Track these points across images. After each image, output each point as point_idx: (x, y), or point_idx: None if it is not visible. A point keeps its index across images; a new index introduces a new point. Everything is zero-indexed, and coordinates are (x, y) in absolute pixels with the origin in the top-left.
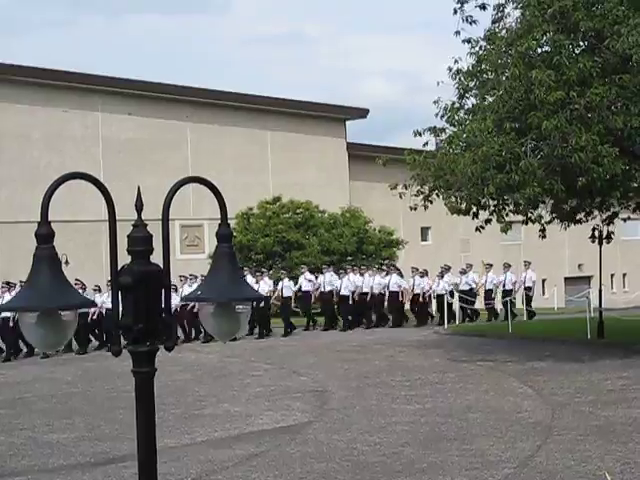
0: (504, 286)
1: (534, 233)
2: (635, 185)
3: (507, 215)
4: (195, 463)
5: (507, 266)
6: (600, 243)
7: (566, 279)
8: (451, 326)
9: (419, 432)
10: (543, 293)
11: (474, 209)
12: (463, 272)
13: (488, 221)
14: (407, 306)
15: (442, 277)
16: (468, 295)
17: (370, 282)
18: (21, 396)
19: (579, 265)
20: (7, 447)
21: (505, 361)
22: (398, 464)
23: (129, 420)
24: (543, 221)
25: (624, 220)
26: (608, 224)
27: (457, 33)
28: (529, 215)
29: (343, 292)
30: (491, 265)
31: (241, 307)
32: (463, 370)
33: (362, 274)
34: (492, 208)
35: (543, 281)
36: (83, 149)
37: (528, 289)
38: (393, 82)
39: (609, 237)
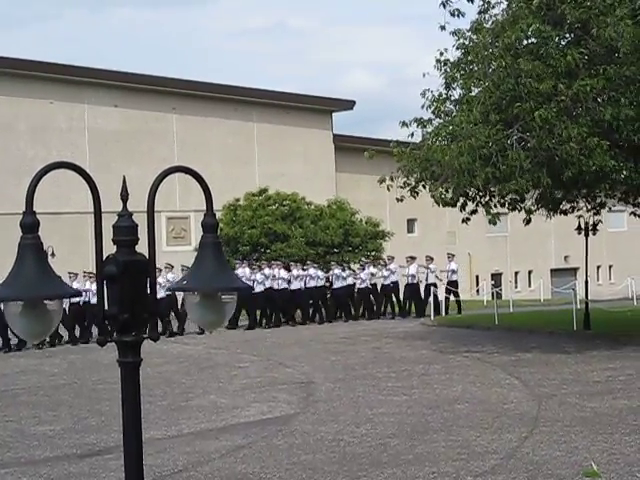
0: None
1: (520, 225)
2: (622, 177)
3: (495, 207)
4: (182, 454)
5: (451, 256)
6: (586, 235)
7: (552, 271)
8: (438, 318)
9: (405, 423)
10: (529, 285)
11: (461, 201)
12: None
13: (474, 212)
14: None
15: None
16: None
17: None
18: (7, 388)
19: (565, 257)
20: None
21: (491, 352)
22: (385, 455)
23: (115, 412)
24: (528, 209)
25: (609, 209)
26: (594, 214)
27: (442, 28)
28: (517, 206)
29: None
30: (453, 255)
31: (227, 297)
32: (449, 361)
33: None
34: (479, 200)
35: (529, 273)
36: (69, 141)
37: (454, 282)
38: (377, 74)
39: (595, 228)
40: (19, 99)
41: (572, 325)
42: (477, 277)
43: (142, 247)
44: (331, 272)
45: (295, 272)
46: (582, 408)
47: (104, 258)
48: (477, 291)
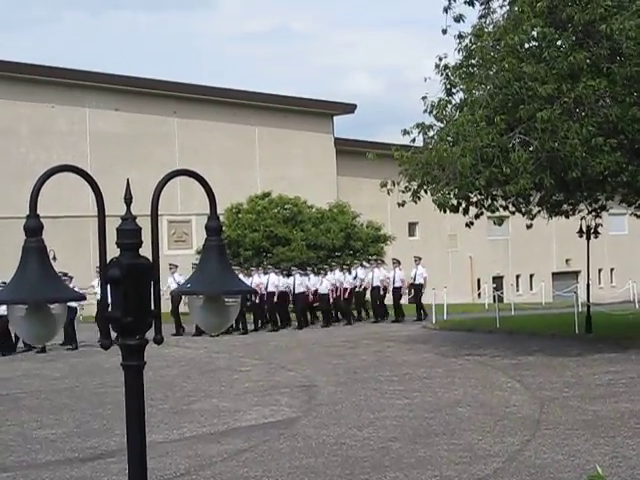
0: (394, 283)
1: (521, 228)
2: (626, 178)
3: (497, 210)
4: (183, 458)
5: (396, 262)
6: (588, 238)
7: (554, 274)
8: (439, 321)
9: (408, 427)
10: (531, 288)
11: (463, 205)
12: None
13: (478, 216)
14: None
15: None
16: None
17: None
18: (9, 392)
19: (567, 260)
20: None
21: (493, 356)
22: (387, 459)
23: (117, 415)
24: (528, 210)
25: (608, 211)
26: (595, 217)
27: (444, 32)
28: (521, 208)
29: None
30: (420, 259)
31: (230, 300)
32: (451, 365)
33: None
34: (482, 202)
35: (531, 276)
36: (70, 144)
37: (419, 286)
38: (378, 78)
39: (596, 231)
40: (20, 103)
41: (574, 328)
42: (478, 280)
43: (145, 251)
44: (291, 278)
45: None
46: (584, 411)
47: (108, 261)
48: (478, 294)
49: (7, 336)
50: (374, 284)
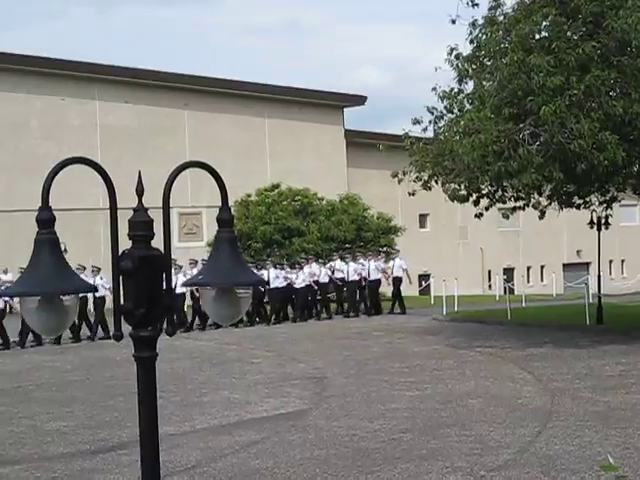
0: (369, 275)
1: (532, 220)
2: (635, 171)
3: (507, 201)
4: (195, 450)
5: (374, 254)
6: (599, 229)
7: (564, 265)
8: (450, 312)
9: (418, 418)
10: (542, 279)
11: (474, 196)
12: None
13: (488, 208)
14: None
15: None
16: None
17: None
18: (20, 384)
19: (577, 251)
20: (7, 435)
21: (504, 347)
22: (398, 450)
23: (128, 407)
24: (540, 207)
25: (619, 202)
26: (606, 208)
27: (453, 22)
28: (531, 200)
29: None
30: (398, 251)
31: (242, 291)
32: (462, 356)
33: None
34: (492, 195)
35: (542, 267)
36: (81, 137)
37: (397, 279)
38: (387, 70)
39: (607, 223)
40: (31, 96)
41: (585, 320)
42: (489, 272)
43: (156, 243)
44: (265, 272)
45: None
46: (595, 402)
47: (120, 253)
48: (489, 286)
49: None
50: (350, 277)
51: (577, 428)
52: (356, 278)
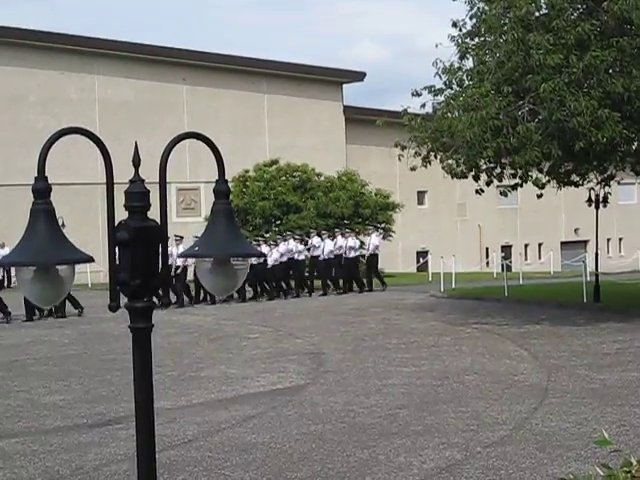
0: (346, 253)
1: (531, 197)
2: (633, 148)
3: (506, 178)
4: (191, 425)
5: (349, 232)
6: (597, 207)
7: (562, 243)
8: (448, 289)
9: (415, 394)
10: (539, 257)
11: (473, 172)
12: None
13: (489, 184)
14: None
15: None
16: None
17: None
18: (17, 358)
19: (575, 229)
20: (4, 409)
21: (501, 324)
22: (394, 426)
23: (125, 382)
24: (540, 184)
25: (618, 182)
26: (604, 186)
27: None
28: (529, 177)
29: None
30: (375, 227)
31: (239, 263)
32: (459, 333)
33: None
34: (490, 172)
35: (539, 245)
36: (79, 112)
37: (372, 256)
38: (386, 46)
39: (605, 201)
40: (29, 70)
41: (582, 297)
42: (487, 249)
43: (154, 215)
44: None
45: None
46: (592, 380)
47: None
48: (487, 263)
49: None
50: (325, 255)
51: (573, 405)
52: (331, 256)
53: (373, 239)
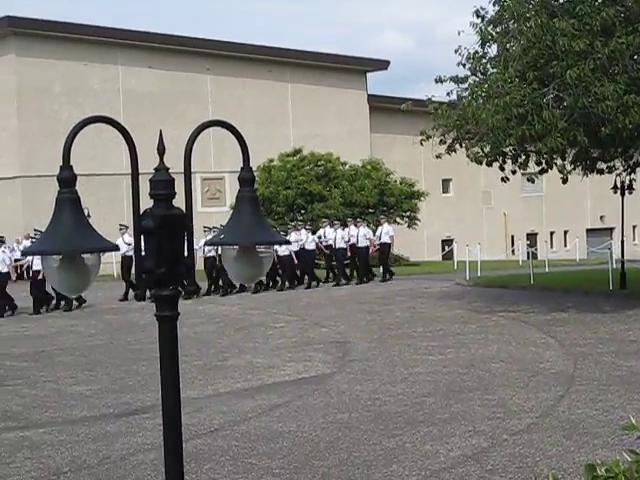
0: (357, 242)
1: (556, 185)
2: None
3: (532, 165)
4: (218, 414)
5: (361, 221)
6: (622, 194)
7: (588, 230)
8: (473, 277)
9: (441, 382)
10: (565, 245)
11: (500, 160)
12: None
13: (515, 172)
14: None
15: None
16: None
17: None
18: (44, 349)
19: (601, 217)
20: (31, 399)
21: (527, 312)
22: (420, 414)
23: (151, 372)
24: (566, 172)
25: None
26: (630, 173)
27: None
28: (555, 164)
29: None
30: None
31: (264, 251)
32: (485, 321)
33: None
34: (515, 159)
35: (565, 233)
36: (103, 102)
37: (384, 246)
38: (409, 34)
39: (631, 188)
40: (53, 61)
41: (608, 285)
42: (512, 237)
43: (179, 205)
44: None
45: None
46: (618, 367)
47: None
48: (512, 251)
49: (6, 296)
50: (338, 245)
51: (600, 392)
52: (343, 245)
53: (385, 228)
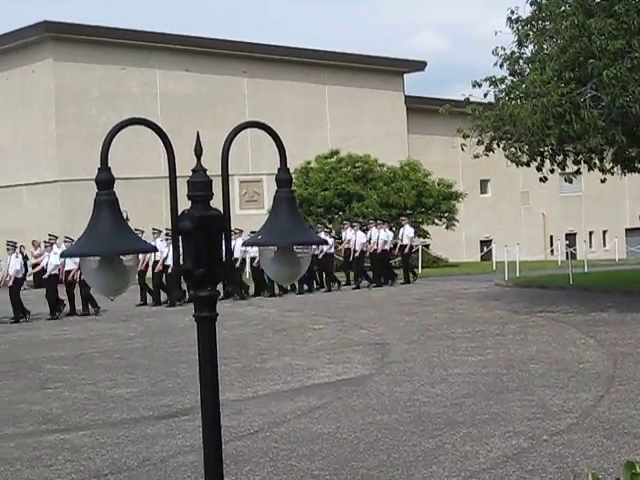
0: (377, 245)
1: (594, 184)
2: None
3: (571, 165)
4: (257, 416)
5: (404, 220)
6: None
7: (627, 230)
8: (512, 278)
9: (481, 383)
10: (604, 244)
11: (537, 160)
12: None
13: (553, 171)
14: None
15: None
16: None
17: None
18: (84, 352)
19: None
20: (71, 402)
21: (566, 312)
22: (460, 415)
23: (191, 374)
24: (606, 170)
25: None
26: None
27: None
28: (594, 164)
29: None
30: (406, 217)
31: (302, 251)
32: (524, 321)
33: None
34: (554, 158)
35: (604, 232)
36: (141, 106)
37: (405, 248)
38: (445, 35)
39: None
40: (91, 65)
41: None
42: (551, 237)
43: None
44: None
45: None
46: None
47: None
48: (551, 251)
49: (57, 297)
50: (357, 247)
51: None
52: (363, 248)
53: (407, 230)
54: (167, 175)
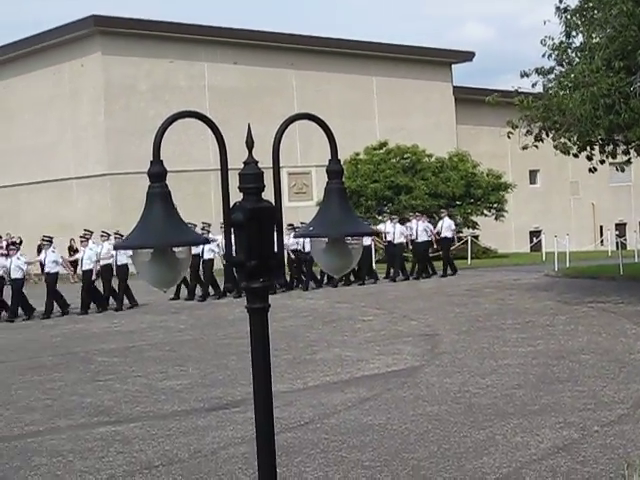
0: (417, 237)
1: None
2: None
3: (620, 154)
4: (307, 407)
5: (443, 212)
6: None
7: None
8: (562, 268)
9: (531, 374)
10: None
11: (588, 150)
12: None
13: (603, 161)
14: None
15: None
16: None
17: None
18: (135, 344)
19: None
20: (122, 394)
21: (617, 302)
22: (510, 406)
23: (242, 366)
24: None
25: None
26: None
27: None
28: None
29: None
30: (445, 209)
31: (353, 242)
32: (574, 312)
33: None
34: (602, 149)
35: None
36: (189, 99)
37: (445, 240)
38: (492, 25)
39: None
40: (139, 59)
41: None
42: (601, 227)
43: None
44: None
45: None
46: None
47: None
48: (601, 241)
49: (97, 290)
50: (397, 240)
51: None
52: (402, 240)
53: (446, 222)
54: (215, 168)
